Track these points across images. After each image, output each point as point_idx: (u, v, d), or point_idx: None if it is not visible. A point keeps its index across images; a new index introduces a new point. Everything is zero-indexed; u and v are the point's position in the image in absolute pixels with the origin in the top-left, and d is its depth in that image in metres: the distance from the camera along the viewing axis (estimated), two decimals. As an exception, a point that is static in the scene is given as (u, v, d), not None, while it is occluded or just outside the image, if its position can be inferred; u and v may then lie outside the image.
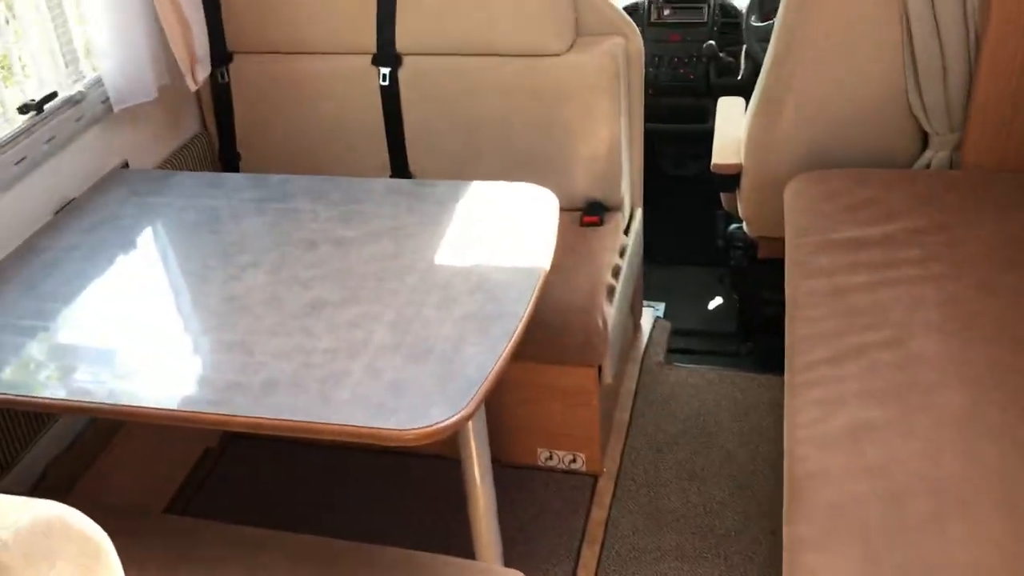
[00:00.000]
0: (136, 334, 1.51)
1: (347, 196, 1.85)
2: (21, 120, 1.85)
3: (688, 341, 2.75)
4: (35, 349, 1.49)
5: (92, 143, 2.01)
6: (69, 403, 1.37)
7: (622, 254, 2.21)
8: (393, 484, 2.17)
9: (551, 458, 2.19)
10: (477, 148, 2.24)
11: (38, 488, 1.82)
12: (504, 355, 1.39)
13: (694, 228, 3.09)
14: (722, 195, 2.54)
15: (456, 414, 1.29)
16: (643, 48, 2.23)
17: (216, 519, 1.54)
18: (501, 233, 1.69)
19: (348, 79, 2.25)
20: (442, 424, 1.28)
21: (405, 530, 2.06)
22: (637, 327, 2.63)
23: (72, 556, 0.64)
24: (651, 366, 2.51)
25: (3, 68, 1.90)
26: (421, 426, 1.28)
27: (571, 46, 2.14)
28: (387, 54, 2.21)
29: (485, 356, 1.38)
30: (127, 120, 2.10)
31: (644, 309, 2.69)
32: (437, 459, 2.17)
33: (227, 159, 2.40)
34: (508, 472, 2.18)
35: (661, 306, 2.79)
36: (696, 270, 3.05)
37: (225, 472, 2.22)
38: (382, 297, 1.54)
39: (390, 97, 2.25)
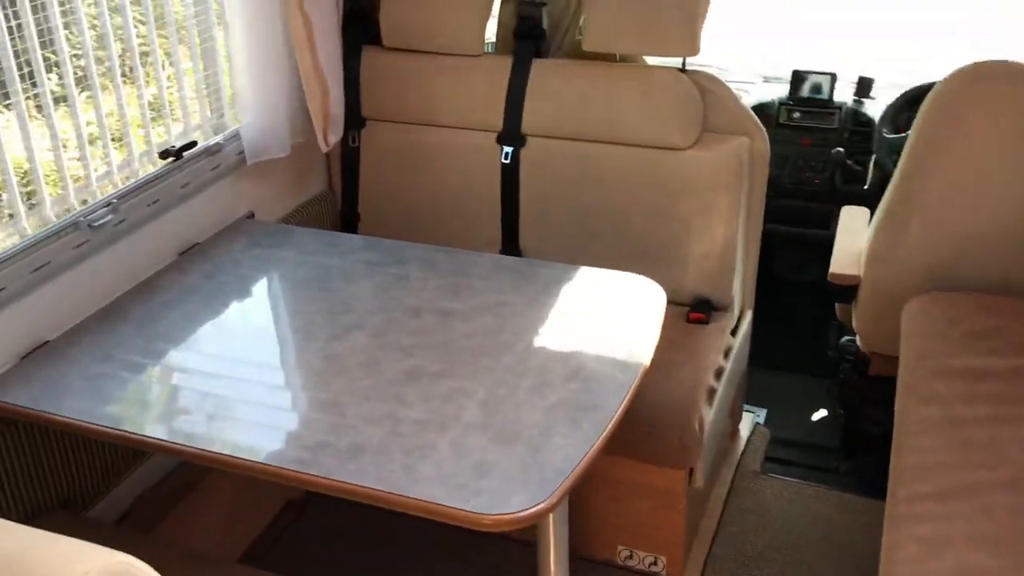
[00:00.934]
0: (236, 383, 1.55)
1: (457, 268, 1.87)
2: (161, 165, 1.95)
3: (787, 451, 2.64)
4: (139, 386, 1.54)
5: (222, 192, 2.10)
6: (163, 444, 1.40)
7: (727, 355, 2.16)
8: (468, 560, 2.13)
9: (631, 557, 2.12)
10: (590, 233, 2.24)
11: (123, 522, 1.86)
12: (594, 450, 1.36)
13: (805, 335, 3.00)
14: (837, 306, 2.47)
15: (537, 505, 1.26)
16: (769, 149, 2.21)
17: (286, 574, 1.54)
18: (604, 322, 1.67)
19: (472, 154, 2.29)
20: (522, 514, 1.25)
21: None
22: (735, 432, 2.55)
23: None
24: (746, 474, 2.42)
25: (154, 110, 2.01)
26: (500, 513, 1.25)
27: (696, 141, 2.13)
28: (512, 133, 2.25)
29: (574, 448, 1.36)
30: (257, 173, 2.19)
31: (744, 414, 2.61)
32: (515, 542, 2.13)
33: (347, 219, 2.47)
34: (584, 565, 2.13)
35: (762, 412, 2.70)
36: (803, 379, 2.95)
37: (303, 527, 2.23)
38: (477, 374, 1.53)
39: (510, 175, 2.28)
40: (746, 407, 2.64)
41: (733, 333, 2.26)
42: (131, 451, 1.88)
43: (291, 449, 1.38)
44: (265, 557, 2.13)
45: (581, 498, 2.07)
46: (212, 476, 2.01)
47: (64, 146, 1.75)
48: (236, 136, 2.10)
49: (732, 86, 2.88)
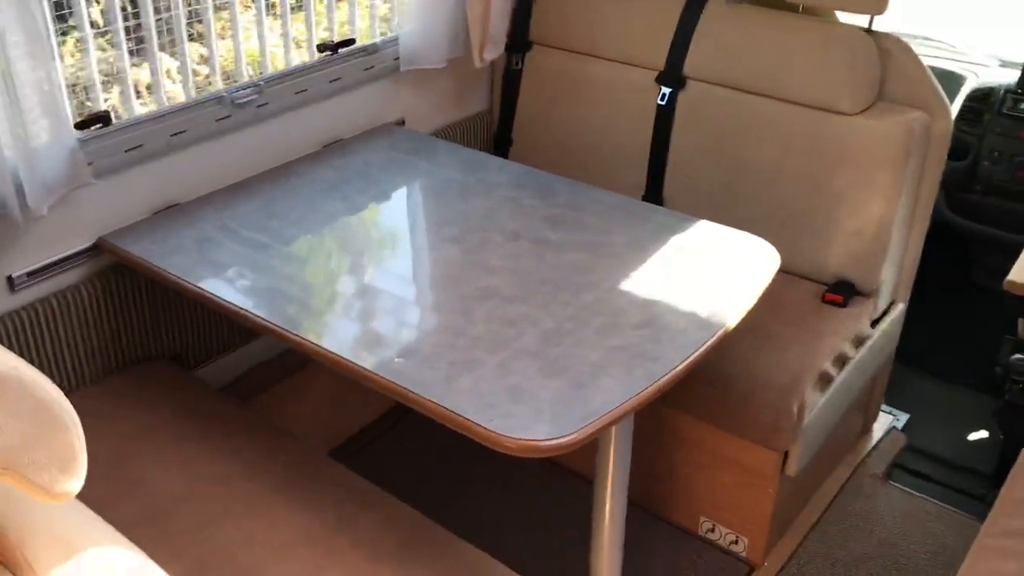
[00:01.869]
0: (328, 272, 1.60)
1: (573, 201, 1.83)
2: (316, 57, 2.02)
3: (925, 464, 2.42)
4: (252, 262, 1.62)
5: (374, 94, 2.15)
6: (259, 320, 1.46)
7: (858, 345, 1.99)
8: (533, 495, 2.13)
9: (712, 530, 2.03)
10: (736, 192, 2.12)
11: (224, 390, 1.99)
12: (636, 399, 1.30)
13: (972, 344, 2.72)
14: (1020, 321, 2.21)
15: (559, 438, 1.23)
16: (951, 131, 1.99)
17: (367, 476, 1.58)
18: (701, 277, 1.58)
19: (629, 91, 2.22)
20: (543, 443, 1.22)
21: (533, 545, 2.01)
22: (865, 431, 2.37)
23: (24, 415, 0.67)
24: (865, 475, 2.25)
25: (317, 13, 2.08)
26: (520, 437, 1.23)
27: (867, 108, 1.96)
28: (673, 74, 2.15)
29: (618, 393, 1.30)
30: (414, 82, 2.22)
31: (881, 414, 2.42)
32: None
33: (500, 142, 2.47)
34: (664, 528, 2.06)
35: (904, 417, 2.48)
36: (961, 391, 2.68)
37: (394, 437, 2.29)
38: (550, 305, 1.50)
39: (664, 118, 2.19)
40: (885, 408, 2.44)
41: (875, 324, 2.08)
42: (239, 326, 2.00)
43: (347, 340, 1.42)
44: (353, 457, 2.20)
45: (668, 460, 2.00)
46: (313, 367, 2.11)
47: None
48: (395, 41, 2.13)
49: (961, 66, 2.61)
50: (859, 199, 1.98)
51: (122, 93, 1.77)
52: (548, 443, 1.22)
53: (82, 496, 1.48)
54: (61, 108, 1.52)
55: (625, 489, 1.56)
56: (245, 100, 1.86)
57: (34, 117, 1.49)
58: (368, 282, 1.57)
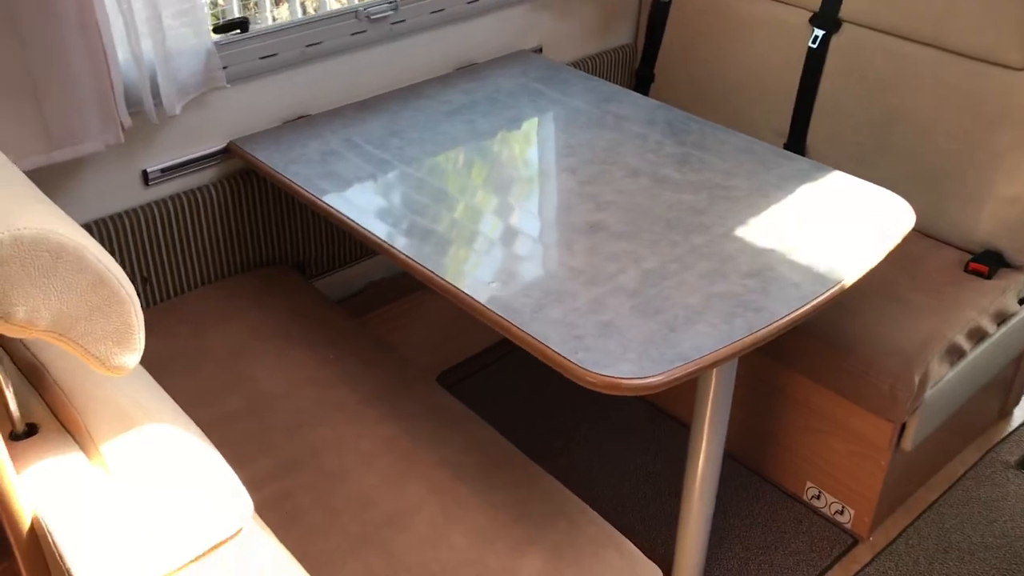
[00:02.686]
0: (442, 194, 1.60)
1: (700, 141, 1.75)
2: (456, -22, 2.00)
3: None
4: (371, 178, 1.65)
5: (513, 20, 2.12)
6: (365, 232, 1.49)
7: (1001, 322, 1.84)
8: (632, 438, 2.10)
9: (818, 497, 1.95)
10: (885, 146, 1.98)
11: (342, 303, 2.04)
12: (729, 349, 1.24)
13: None
14: None
15: (641, 378, 1.19)
16: None
17: (467, 403, 1.60)
18: (824, 230, 1.49)
19: (780, 32, 2.10)
20: (623, 381, 1.19)
21: (624, 489, 1.99)
22: (1004, 415, 2.20)
23: (82, 287, 0.70)
24: (996, 462, 2.10)
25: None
26: (601, 372, 1.20)
27: (1040, 64, 1.78)
28: (828, 15, 2.02)
29: (711, 341, 1.25)
30: (557, 9, 2.18)
31: (1024, 399, 2.24)
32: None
33: (642, 77, 2.39)
34: (767, 489, 2.00)
35: (1052, 405, 2.30)
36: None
37: (501, 370, 2.30)
38: (658, 244, 1.45)
39: (814, 62, 2.06)
40: (1031, 394, 2.26)
41: (1023, 302, 1.91)
42: (360, 243, 2.05)
43: (445, 259, 1.42)
44: (456, 384, 2.23)
45: (779, 421, 1.93)
46: (426, 291, 2.13)
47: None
48: (538, -35, 2.09)
49: None
50: (1019, 162, 1.81)
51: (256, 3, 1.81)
52: (629, 382, 1.19)
53: (194, 384, 1.58)
54: (199, 11, 1.57)
55: (721, 441, 1.52)
56: (380, 16, 1.86)
57: (173, 19, 1.54)
58: (477, 206, 1.56)
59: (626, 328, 1.28)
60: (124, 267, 1.70)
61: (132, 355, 0.75)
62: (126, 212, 1.69)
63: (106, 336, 0.73)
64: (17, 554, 0.73)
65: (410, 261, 1.42)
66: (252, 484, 1.40)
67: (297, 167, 1.66)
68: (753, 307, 1.32)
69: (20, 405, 0.79)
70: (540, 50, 2.20)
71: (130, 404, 0.81)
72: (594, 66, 2.34)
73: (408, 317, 2.13)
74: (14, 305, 0.67)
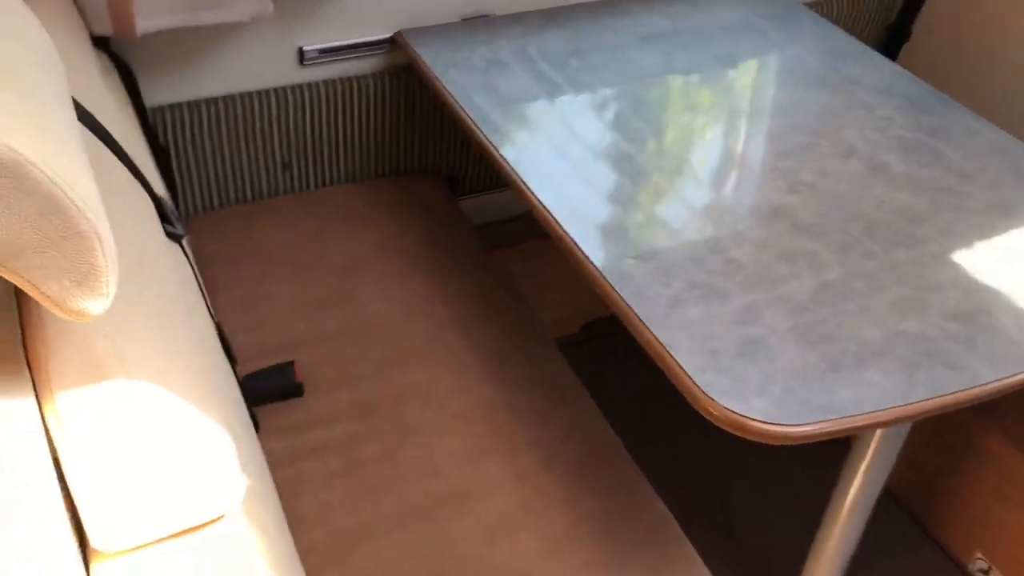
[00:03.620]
0: (602, 136, 1.36)
1: (944, 126, 1.41)
2: None
3: None
4: (530, 101, 1.43)
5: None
6: (509, 171, 1.28)
7: None
8: (783, 467, 1.82)
9: (987, 572, 1.63)
10: None
11: (485, 228, 1.86)
12: (902, 412, 0.97)
13: None
14: None
15: (774, 424, 0.95)
16: None
17: (580, 368, 1.40)
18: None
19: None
20: (752, 422, 0.95)
21: (730, 505, 1.74)
22: None
23: (27, 212, 0.54)
24: None
25: None
26: (728, 406, 0.96)
27: None
28: None
29: (879, 395, 0.98)
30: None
31: None
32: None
33: (894, 35, 2.01)
34: (926, 545, 1.69)
35: None
36: None
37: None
38: (849, 251, 1.16)
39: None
40: None
41: None
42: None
43: (586, 220, 1.20)
44: (575, 346, 2.00)
45: (959, 476, 1.60)
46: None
47: None
48: None
49: None
50: None
51: None
52: (760, 426, 0.95)
53: (299, 290, 1.45)
54: None
55: (870, 506, 1.24)
56: (590, -86, 1.61)
57: None
58: (640, 159, 1.32)
59: (777, 352, 1.02)
60: (266, 147, 1.59)
61: (97, 300, 0.60)
62: (276, 89, 1.56)
63: (61, 273, 0.58)
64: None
65: (537, 203, 1.21)
66: (326, 419, 1.27)
67: (456, 73, 1.47)
68: (948, 361, 1.02)
69: None
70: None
71: (109, 351, 0.66)
72: (839, 11, 1.98)
73: (557, 259, 1.92)
74: None
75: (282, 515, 1.02)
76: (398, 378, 1.33)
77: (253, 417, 1.23)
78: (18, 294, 0.71)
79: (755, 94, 1.48)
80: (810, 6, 1.91)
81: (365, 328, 1.40)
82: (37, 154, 0.55)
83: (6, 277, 0.58)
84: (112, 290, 0.61)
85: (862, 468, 1.19)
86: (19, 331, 0.68)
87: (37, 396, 0.65)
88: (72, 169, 0.57)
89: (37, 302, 0.69)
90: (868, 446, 1.16)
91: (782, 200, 1.25)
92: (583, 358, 1.98)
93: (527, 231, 1.91)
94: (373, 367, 1.34)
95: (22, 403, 0.64)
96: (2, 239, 0.55)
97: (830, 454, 1.82)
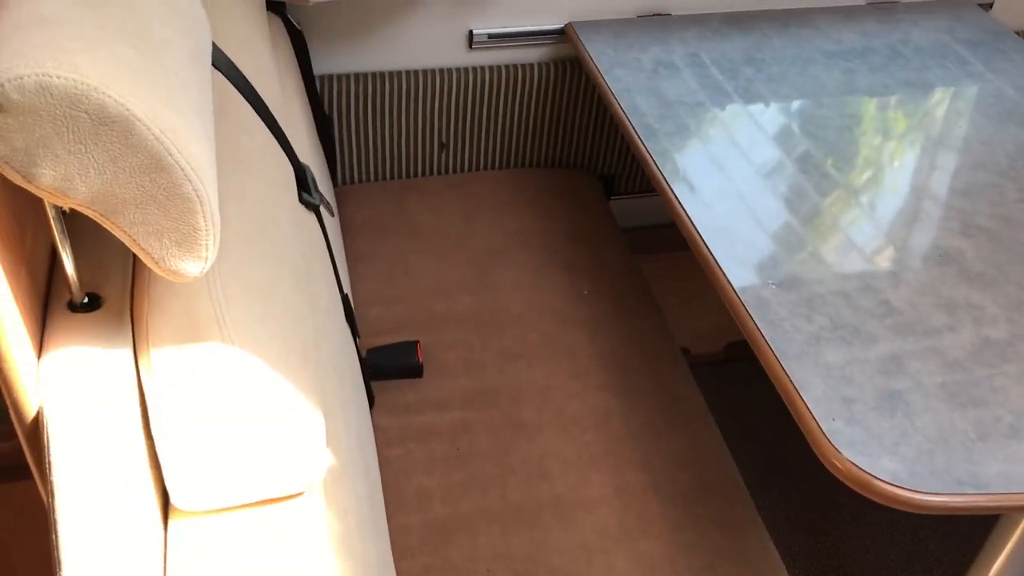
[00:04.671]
0: (767, 154, 1.29)
1: None
2: None
3: None
4: (695, 108, 1.37)
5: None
6: (660, 179, 1.24)
7: None
8: (918, 528, 1.68)
9: None
10: None
11: (631, 231, 1.80)
12: (1056, 496, 0.86)
13: None
14: None
15: (904, 489, 0.86)
16: None
17: (731, 389, 1.34)
18: None
19: None
20: (879, 483, 0.87)
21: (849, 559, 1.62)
22: None
23: (133, 167, 0.55)
24: None
25: None
26: (855, 460, 0.89)
27: None
28: None
29: (1033, 474, 0.88)
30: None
31: None
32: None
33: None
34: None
35: None
36: None
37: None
38: (1021, 308, 1.05)
39: None
40: None
41: None
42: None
43: (732, 237, 1.13)
44: (733, 363, 1.91)
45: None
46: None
47: None
48: None
49: None
50: None
51: None
52: (885, 487, 0.87)
53: (441, 271, 1.45)
54: None
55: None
56: (787, -84, 1.52)
57: None
58: (802, 182, 1.24)
59: (919, 410, 0.93)
60: (426, 126, 1.60)
61: (196, 263, 0.60)
62: (442, 70, 1.56)
63: (162, 231, 0.58)
64: (22, 439, 0.64)
65: (683, 214, 1.15)
66: (441, 403, 1.26)
67: (621, 72, 1.42)
68: (1122, 450, 0.90)
69: (99, 270, 0.69)
70: (990, 5, 1.72)
71: (210, 313, 0.66)
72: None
73: (684, 271, 1.85)
74: (38, 167, 0.54)
75: (378, 493, 1.02)
76: (518, 373, 1.31)
77: (370, 391, 1.23)
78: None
79: (940, 125, 1.36)
80: (1021, 34, 1.75)
81: (494, 317, 1.39)
82: (147, 112, 0.55)
83: (109, 229, 0.58)
84: (212, 254, 0.61)
85: (1006, 551, 1.08)
86: (129, 282, 0.69)
87: (135, 348, 0.66)
88: (184, 130, 0.58)
89: None
90: (1015, 529, 1.04)
91: (952, 243, 1.14)
92: (720, 379, 1.90)
93: (676, 240, 1.85)
94: (495, 358, 1.33)
95: (118, 353, 0.65)
96: (107, 191, 0.56)
97: (970, 522, 1.68)
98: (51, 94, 0.52)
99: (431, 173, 1.67)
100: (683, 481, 1.19)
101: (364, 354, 1.30)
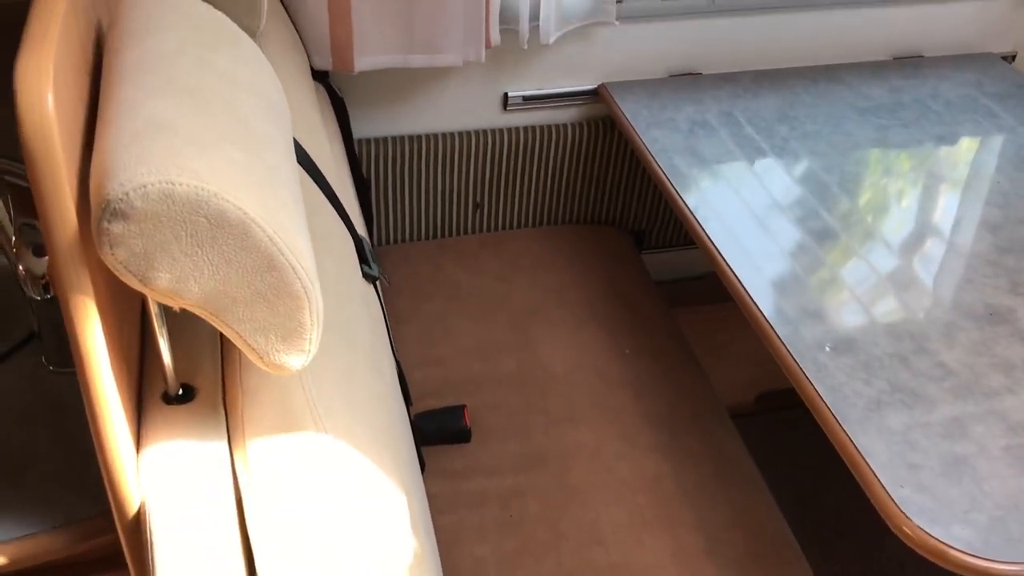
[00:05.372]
0: (810, 210, 1.30)
1: None
2: (930, -52, 1.62)
3: None
4: (733, 166, 1.39)
5: (986, 13, 1.69)
6: (702, 235, 1.25)
7: None
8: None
9: None
10: None
11: (664, 284, 1.81)
12: None
13: None
14: None
15: (979, 558, 0.86)
16: None
17: (771, 443, 1.34)
18: None
19: None
20: (952, 551, 0.87)
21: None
22: None
23: (246, 266, 0.55)
24: None
25: None
26: (926, 528, 0.88)
27: None
28: None
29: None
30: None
31: None
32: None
33: None
34: None
35: None
36: None
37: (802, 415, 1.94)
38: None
39: None
40: None
41: None
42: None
43: (783, 298, 1.14)
44: (770, 414, 1.91)
45: None
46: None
47: None
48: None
49: None
50: None
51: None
52: (960, 556, 0.86)
53: (482, 332, 1.46)
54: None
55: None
56: (816, -23, 1.55)
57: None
58: (849, 240, 1.25)
59: (987, 475, 0.93)
60: (461, 186, 1.61)
61: (299, 356, 0.60)
62: (477, 131, 1.58)
63: (268, 328, 0.59)
64: (120, 533, 0.64)
65: (736, 281, 1.16)
66: (490, 468, 1.26)
67: (658, 132, 1.44)
68: None
69: (189, 361, 0.69)
70: (1012, 58, 1.75)
71: (304, 403, 0.66)
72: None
73: (736, 324, 1.86)
74: (156, 271, 0.54)
75: (438, 565, 1.01)
76: (565, 435, 1.31)
77: (421, 458, 1.23)
78: (221, 338, 0.74)
79: (978, 181, 1.37)
80: (1046, 86, 1.77)
81: (537, 377, 1.39)
82: (261, 213, 0.56)
83: (217, 327, 0.59)
84: (315, 348, 0.61)
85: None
86: (220, 375, 0.70)
87: (229, 439, 0.67)
88: (291, 228, 0.58)
89: (237, 349, 0.71)
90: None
91: (1003, 301, 1.15)
92: (756, 430, 1.90)
93: (706, 292, 1.86)
94: (542, 420, 1.33)
95: (214, 446, 0.65)
96: (219, 291, 0.56)
97: None
98: (173, 201, 0.53)
99: (466, 232, 1.68)
100: (738, 543, 1.19)
101: (412, 419, 1.30)
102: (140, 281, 0.55)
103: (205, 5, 0.73)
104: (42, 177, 0.52)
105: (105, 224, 0.52)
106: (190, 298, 0.56)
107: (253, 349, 0.60)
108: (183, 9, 0.69)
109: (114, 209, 0.52)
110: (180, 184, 0.52)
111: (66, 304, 0.56)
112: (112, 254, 0.53)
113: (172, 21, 0.67)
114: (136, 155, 0.53)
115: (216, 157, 0.56)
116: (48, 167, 0.52)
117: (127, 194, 0.51)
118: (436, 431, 1.29)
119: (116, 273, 0.55)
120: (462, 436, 1.29)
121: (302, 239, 0.60)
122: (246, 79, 0.67)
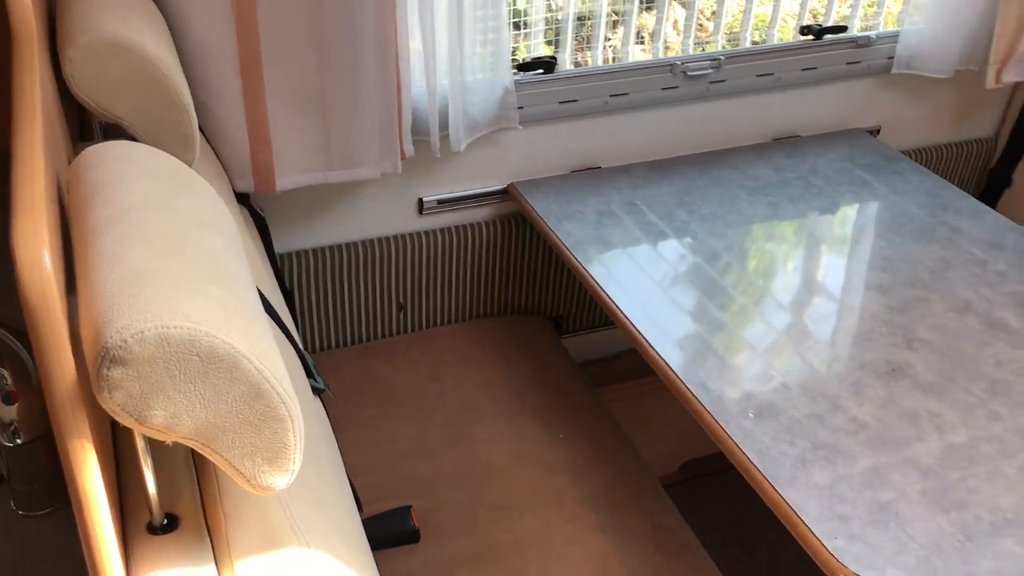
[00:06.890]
0: (717, 288, 1.40)
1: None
2: (795, 39, 1.78)
3: None
4: (641, 252, 1.48)
5: (851, 94, 1.86)
6: (621, 317, 1.33)
7: None
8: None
9: None
10: None
11: (589, 364, 1.88)
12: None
13: None
14: None
15: (913, 598, 0.93)
16: None
17: (703, 507, 1.40)
18: None
19: None
20: (889, 594, 0.94)
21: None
22: None
23: (233, 398, 0.59)
24: None
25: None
26: (859, 573, 0.95)
27: None
28: None
29: (1021, 568, 0.96)
30: (905, 89, 1.89)
31: None
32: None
33: (996, 180, 2.03)
34: None
35: None
36: None
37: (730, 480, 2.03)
38: (973, 412, 1.16)
39: None
40: None
41: None
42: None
43: (701, 368, 1.22)
44: (698, 480, 1.99)
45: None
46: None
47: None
48: (894, 38, 1.81)
49: None
50: None
51: (623, 35, 1.71)
52: (897, 598, 0.94)
53: (419, 433, 1.50)
54: (503, 45, 1.48)
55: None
56: (699, 73, 1.68)
57: (475, 51, 1.46)
58: (757, 312, 1.34)
59: (909, 519, 1.01)
60: (383, 290, 1.66)
61: (283, 476, 0.64)
62: (395, 237, 1.64)
63: (255, 452, 0.62)
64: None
65: (659, 359, 1.24)
66: (442, 567, 1.28)
67: (569, 226, 1.53)
68: (1091, 534, 1.00)
69: (168, 490, 0.71)
70: (877, 131, 1.92)
71: (284, 519, 0.69)
72: (938, 159, 2.01)
73: (656, 397, 1.94)
74: (151, 409, 0.58)
75: None
76: (512, 526, 1.34)
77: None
78: (195, 460, 0.76)
79: (865, 248, 1.50)
80: (907, 154, 1.95)
81: (478, 472, 1.42)
82: (246, 344, 0.60)
83: (206, 455, 0.62)
84: (298, 466, 0.65)
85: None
86: (199, 500, 0.72)
87: (216, 562, 0.69)
88: (272, 355, 0.63)
89: (214, 470, 0.73)
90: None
91: (900, 356, 1.26)
92: (684, 499, 1.96)
93: (626, 370, 1.93)
94: (487, 513, 1.36)
95: (205, 570, 0.67)
96: (210, 423, 0.60)
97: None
98: (168, 343, 0.56)
99: (392, 334, 1.73)
100: (662, 559, 1.24)
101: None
102: (136, 420, 0.58)
103: (155, 152, 0.78)
104: (43, 334, 0.55)
105: (105, 371, 0.55)
106: (182, 431, 0.60)
107: (241, 473, 0.63)
108: (141, 160, 0.73)
109: (113, 356, 0.55)
110: (175, 327, 0.56)
111: (65, 450, 0.58)
112: (111, 398, 0.56)
113: (132, 174, 0.71)
114: (127, 303, 0.57)
115: (200, 297, 0.60)
116: (49, 324, 0.55)
117: (125, 341, 0.55)
118: (384, 535, 1.31)
119: (113, 415, 0.57)
120: (410, 537, 1.32)
121: (280, 363, 0.64)
122: (208, 219, 0.71)
